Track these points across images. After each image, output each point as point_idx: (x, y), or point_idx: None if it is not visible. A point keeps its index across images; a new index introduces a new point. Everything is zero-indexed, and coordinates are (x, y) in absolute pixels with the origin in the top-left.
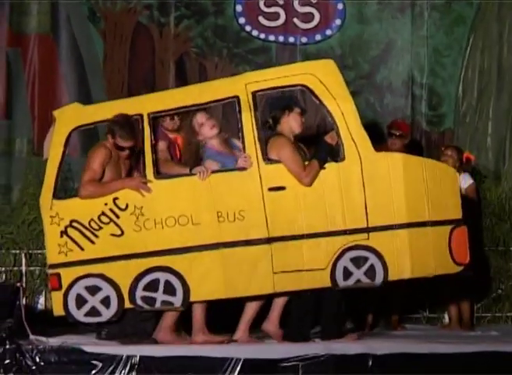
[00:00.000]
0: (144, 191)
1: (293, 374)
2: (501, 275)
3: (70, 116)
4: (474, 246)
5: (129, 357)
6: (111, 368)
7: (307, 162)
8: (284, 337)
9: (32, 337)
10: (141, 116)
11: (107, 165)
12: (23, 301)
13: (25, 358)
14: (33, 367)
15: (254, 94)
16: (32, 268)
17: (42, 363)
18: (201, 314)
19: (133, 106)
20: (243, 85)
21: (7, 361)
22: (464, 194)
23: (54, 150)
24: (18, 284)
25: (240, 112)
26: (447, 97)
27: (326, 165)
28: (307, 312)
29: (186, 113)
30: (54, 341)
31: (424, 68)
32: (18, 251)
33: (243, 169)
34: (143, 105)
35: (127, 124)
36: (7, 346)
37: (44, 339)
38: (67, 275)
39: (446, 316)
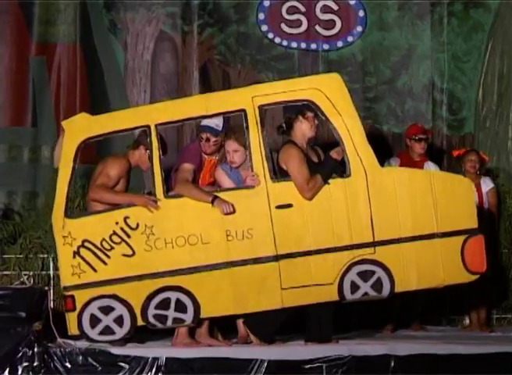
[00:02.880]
0: (154, 210)
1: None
2: None
3: (79, 127)
4: (493, 248)
5: (155, 359)
6: (137, 370)
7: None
8: (307, 339)
9: (59, 340)
10: (148, 127)
11: (122, 178)
12: (51, 305)
13: (53, 361)
14: (61, 369)
15: (260, 108)
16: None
17: (69, 366)
18: (206, 324)
19: (141, 116)
20: (250, 98)
21: (35, 363)
22: (485, 198)
23: (63, 166)
24: (46, 288)
25: (247, 127)
26: (467, 102)
27: (332, 180)
28: (327, 314)
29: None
30: (81, 344)
31: (445, 73)
32: (46, 256)
33: (251, 187)
34: (150, 115)
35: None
36: (35, 349)
37: (71, 342)
38: (81, 296)
39: (467, 318)
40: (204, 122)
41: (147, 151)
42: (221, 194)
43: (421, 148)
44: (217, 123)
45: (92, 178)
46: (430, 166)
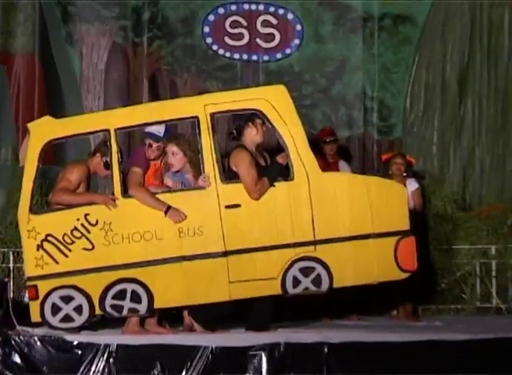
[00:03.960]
0: (112, 208)
1: (257, 361)
2: (444, 271)
3: (43, 129)
4: (420, 244)
5: (106, 345)
6: (90, 355)
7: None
8: (248, 327)
9: (18, 327)
10: (108, 131)
11: (82, 182)
12: (10, 295)
13: (12, 347)
14: (20, 355)
15: (212, 115)
16: (19, 265)
17: (27, 351)
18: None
19: (102, 121)
20: (203, 106)
21: None
22: (411, 197)
23: (28, 165)
24: (6, 280)
25: (199, 133)
26: (396, 109)
27: (277, 183)
28: (267, 305)
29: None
30: (38, 331)
31: (375, 83)
32: (6, 250)
33: (203, 188)
34: (110, 120)
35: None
36: None
37: (29, 329)
38: (43, 286)
39: (395, 309)
40: (147, 129)
41: (103, 158)
42: (175, 194)
43: (331, 149)
44: (159, 130)
45: (55, 184)
46: (343, 165)
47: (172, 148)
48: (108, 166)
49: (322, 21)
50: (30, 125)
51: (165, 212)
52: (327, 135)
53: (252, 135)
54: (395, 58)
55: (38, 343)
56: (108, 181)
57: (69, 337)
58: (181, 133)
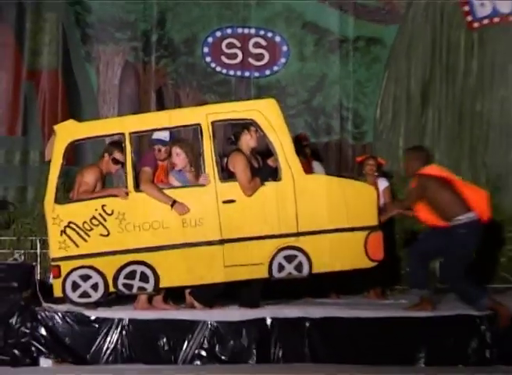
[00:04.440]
0: (125, 199)
1: (249, 333)
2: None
3: (67, 131)
4: (389, 235)
5: (120, 320)
6: (106, 328)
7: None
8: (241, 304)
9: (44, 304)
10: (123, 134)
11: (98, 182)
12: (37, 277)
13: (39, 321)
14: (45, 328)
15: (213, 123)
16: (45, 251)
17: (52, 325)
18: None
19: (118, 125)
20: (205, 115)
21: (26, 323)
22: (382, 194)
23: (54, 161)
24: (33, 264)
25: (201, 138)
26: (368, 118)
27: (267, 183)
28: (257, 285)
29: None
30: (61, 308)
31: (350, 96)
32: (34, 238)
33: (203, 185)
34: (125, 125)
35: (121, 145)
36: (25, 311)
37: (53, 306)
38: (65, 266)
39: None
40: (155, 136)
41: (111, 156)
42: (180, 190)
43: (305, 153)
44: (165, 135)
45: (75, 187)
46: (317, 165)
47: (176, 150)
48: (116, 161)
49: (305, 43)
50: (56, 127)
51: (172, 206)
52: (304, 139)
53: (247, 140)
54: (367, 74)
55: (61, 317)
56: (119, 177)
57: (87, 313)
58: (184, 137)
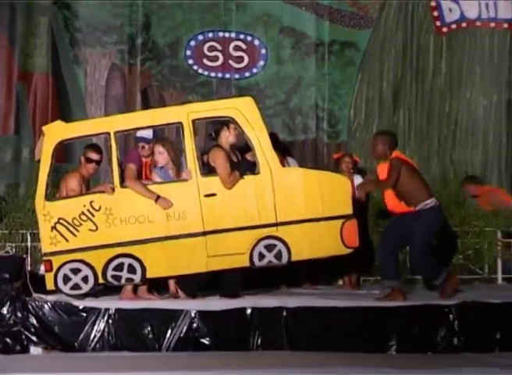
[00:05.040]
0: (112, 196)
1: (229, 322)
2: (378, 249)
3: (56, 131)
4: (363, 228)
5: (106, 309)
6: (93, 317)
7: None
8: (222, 294)
9: (34, 295)
10: (109, 133)
11: (82, 185)
12: (28, 269)
13: (29, 311)
14: (36, 317)
15: (193, 121)
16: (34, 244)
17: (41, 314)
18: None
19: (103, 125)
20: (186, 114)
21: (17, 312)
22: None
23: (43, 161)
24: (24, 256)
25: (183, 136)
26: (342, 118)
27: (246, 176)
28: (237, 276)
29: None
30: (51, 298)
31: (325, 97)
32: (24, 232)
33: (186, 180)
34: (110, 124)
35: (95, 146)
36: (16, 302)
37: (43, 296)
38: (56, 261)
39: (341, 279)
40: (139, 134)
41: (85, 156)
42: (164, 185)
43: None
44: (148, 133)
45: (61, 192)
46: (290, 159)
47: (159, 148)
48: (90, 160)
49: (283, 46)
50: (44, 127)
51: (156, 201)
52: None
53: (227, 137)
54: (341, 76)
55: (50, 307)
56: (106, 175)
57: (75, 303)
58: (166, 136)
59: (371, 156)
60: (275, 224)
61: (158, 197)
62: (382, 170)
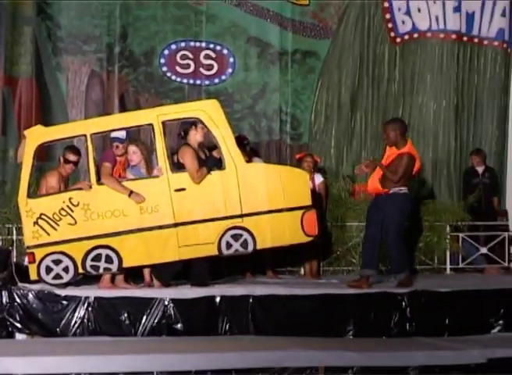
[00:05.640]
0: (89, 193)
1: (199, 309)
2: (339, 241)
3: (36, 135)
4: (322, 222)
5: (86, 297)
6: (74, 305)
7: None
8: (192, 284)
9: (20, 284)
10: (85, 135)
11: (61, 183)
12: (14, 260)
13: (15, 299)
14: (21, 305)
15: (163, 123)
16: (20, 237)
17: (26, 302)
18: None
19: (80, 128)
20: (156, 116)
21: (3, 300)
22: (317, 188)
23: (25, 163)
24: (10, 248)
25: (154, 136)
26: (304, 121)
27: (213, 172)
28: (205, 266)
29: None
30: (35, 287)
31: (288, 102)
32: (10, 226)
33: (157, 176)
34: (86, 127)
35: (73, 148)
36: (2, 291)
37: (27, 285)
38: (39, 253)
39: (302, 269)
40: (113, 134)
41: (63, 160)
42: (137, 181)
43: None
44: (122, 134)
45: (41, 189)
46: (256, 160)
47: (132, 148)
48: (67, 161)
49: (249, 55)
50: (25, 132)
51: (129, 195)
52: (245, 139)
53: (195, 136)
54: (303, 83)
55: (34, 296)
56: (85, 173)
57: (57, 291)
58: (138, 137)
59: (387, 141)
60: (241, 215)
61: (131, 192)
62: (389, 153)
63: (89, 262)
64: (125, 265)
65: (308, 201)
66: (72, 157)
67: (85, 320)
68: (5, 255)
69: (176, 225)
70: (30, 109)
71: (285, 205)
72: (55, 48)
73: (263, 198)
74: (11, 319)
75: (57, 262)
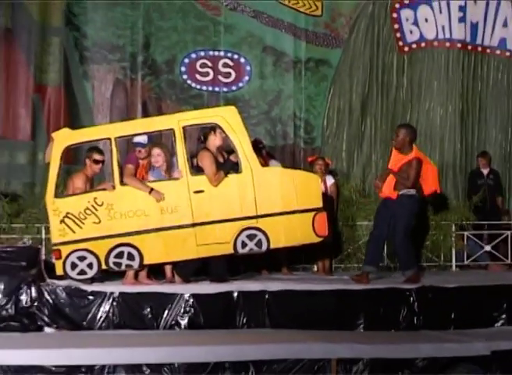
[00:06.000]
0: (111, 192)
1: (218, 304)
2: (350, 240)
3: (63, 137)
4: (333, 222)
5: (111, 293)
6: (99, 300)
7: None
8: (211, 280)
9: (48, 280)
10: (110, 139)
11: (87, 184)
12: (43, 258)
13: (44, 295)
14: (50, 301)
15: (183, 128)
16: (49, 236)
17: (54, 297)
18: (145, 269)
19: (105, 132)
20: (177, 121)
21: (32, 296)
22: (329, 189)
23: (53, 164)
24: (39, 246)
25: (174, 141)
26: (316, 126)
27: (230, 175)
28: (223, 263)
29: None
30: (63, 283)
31: (302, 108)
32: (39, 225)
33: (177, 178)
34: (111, 131)
35: (97, 148)
36: (32, 286)
37: (56, 281)
38: (65, 250)
39: (315, 266)
40: (136, 140)
41: (91, 159)
42: (159, 183)
43: (262, 153)
44: (144, 139)
45: (66, 191)
46: (273, 162)
47: (157, 151)
48: (96, 161)
49: (265, 63)
50: (53, 134)
51: (149, 192)
52: (261, 143)
53: (213, 140)
54: (316, 90)
55: (62, 291)
56: (108, 174)
57: (84, 287)
58: (160, 141)
59: (396, 145)
60: (256, 216)
61: (152, 189)
62: (396, 158)
63: (112, 259)
64: (146, 262)
65: (320, 204)
66: (99, 157)
67: (110, 314)
68: (35, 253)
69: (194, 225)
70: (58, 115)
71: (297, 207)
72: (81, 58)
73: (277, 200)
74: (40, 314)
75: (82, 259)
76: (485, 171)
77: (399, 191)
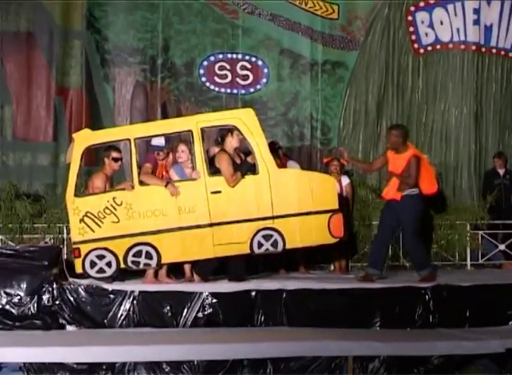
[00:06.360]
0: (131, 192)
1: (236, 302)
2: (366, 239)
3: (84, 138)
4: (349, 222)
5: (131, 291)
6: (120, 299)
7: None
8: (229, 278)
9: (70, 279)
10: (129, 140)
11: (106, 183)
12: (64, 257)
13: (65, 293)
14: (71, 299)
15: (202, 129)
16: (70, 235)
17: (76, 296)
18: (164, 268)
19: (125, 133)
20: (195, 123)
21: (54, 295)
22: (344, 189)
23: (73, 164)
24: (61, 246)
25: (192, 142)
26: (333, 127)
27: (247, 176)
28: (241, 262)
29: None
30: (84, 282)
31: (319, 109)
32: (61, 225)
33: (195, 179)
34: (131, 132)
35: (115, 147)
36: (54, 285)
37: (77, 280)
38: (84, 248)
39: (332, 266)
40: (153, 143)
41: (110, 157)
42: (177, 183)
43: (279, 154)
44: (161, 141)
45: (87, 191)
46: (290, 163)
47: (182, 147)
48: (115, 159)
49: (282, 66)
50: (74, 135)
51: (165, 186)
52: (277, 144)
53: (231, 142)
54: (333, 91)
55: (83, 290)
56: (123, 174)
57: (105, 286)
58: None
59: (389, 144)
60: (272, 217)
61: (168, 183)
62: (394, 159)
63: (130, 258)
64: (163, 261)
65: (335, 205)
66: (117, 154)
67: (130, 313)
68: (57, 253)
69: (211, 225)
70: (79, 117)
71: (313, 208)
72: (102, 60)
73: (293, 202)
74: (62, 312)
75: (100, 257)
76: (502, 171)
77: (402, 191)
